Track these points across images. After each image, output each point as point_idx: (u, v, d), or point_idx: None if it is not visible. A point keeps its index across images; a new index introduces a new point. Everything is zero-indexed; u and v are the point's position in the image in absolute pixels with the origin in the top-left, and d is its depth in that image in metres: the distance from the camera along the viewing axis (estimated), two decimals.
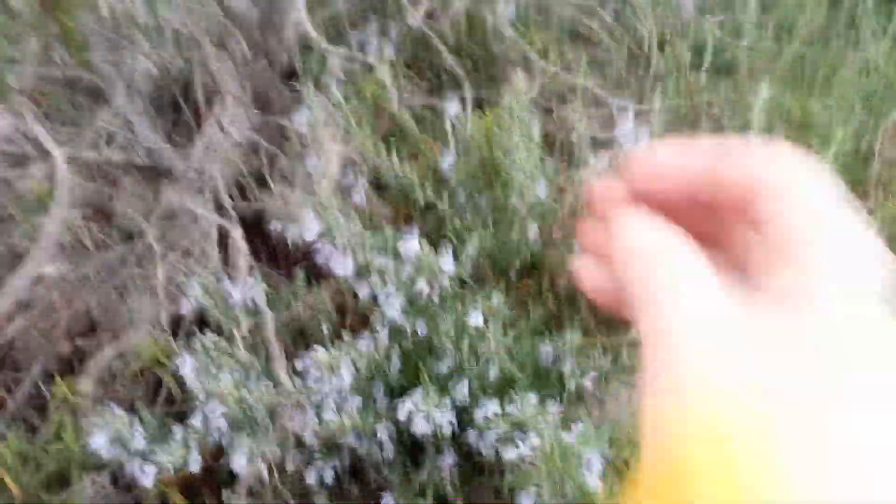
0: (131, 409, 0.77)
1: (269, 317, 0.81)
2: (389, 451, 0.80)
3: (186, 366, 0.65)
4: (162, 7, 0.57)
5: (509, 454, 0.70)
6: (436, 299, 0.76)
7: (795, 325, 0.21)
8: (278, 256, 1.08)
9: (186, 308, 0.73)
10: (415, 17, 1.05)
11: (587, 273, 0.28)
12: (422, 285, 0.73)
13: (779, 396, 0.20)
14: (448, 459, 0.83)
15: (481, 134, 0.88)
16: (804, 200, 0.23)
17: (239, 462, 0.67)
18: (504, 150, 0.90)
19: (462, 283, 0.84)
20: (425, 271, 0.73)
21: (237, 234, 0.66)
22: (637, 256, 0.25)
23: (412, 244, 0.71)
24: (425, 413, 0.74)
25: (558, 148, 1.14)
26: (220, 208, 0.86)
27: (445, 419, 0.77)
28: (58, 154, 0.46)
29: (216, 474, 0.84)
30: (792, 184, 0.23)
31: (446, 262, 0.74)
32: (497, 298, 0.76)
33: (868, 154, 1.03)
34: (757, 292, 0.22)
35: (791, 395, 0.20)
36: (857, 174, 1.05)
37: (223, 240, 0.98)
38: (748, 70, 1.06)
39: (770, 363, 0.21)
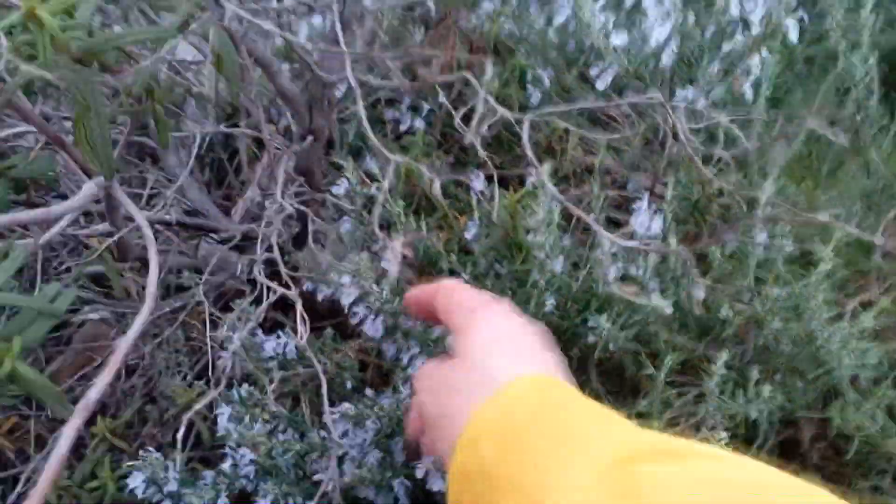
0: (159, 450, 0.83)
1: (301, 370, 0.87)
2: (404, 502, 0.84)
3: (224, 414, 0.70)
4: (234, 84, 0.65)
5: None
6: None
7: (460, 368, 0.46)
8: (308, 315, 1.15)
9: (223, 360, 0.79)
10: (444, 98, 1.13)
11: None
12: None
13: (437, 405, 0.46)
14: None
15: (506, 211, 0.95)
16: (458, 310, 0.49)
17: None
18: (526, 228, 0.97)
19: None
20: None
21: (298, 305, 0.73)
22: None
23: None
24: (441, 472, 0.79)
25: (574, 224, 1.21)
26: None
27: None
28: (141, 219, 0.53)
29: None
30: (451, 303, 0.50)
31: None
32: None
33: (869, 247, 1.09)
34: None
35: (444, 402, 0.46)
36: (859, 265, 1.10)
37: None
38: (757, 163, 1.13)
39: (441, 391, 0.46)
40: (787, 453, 1.08)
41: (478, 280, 1.06)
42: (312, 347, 0.96)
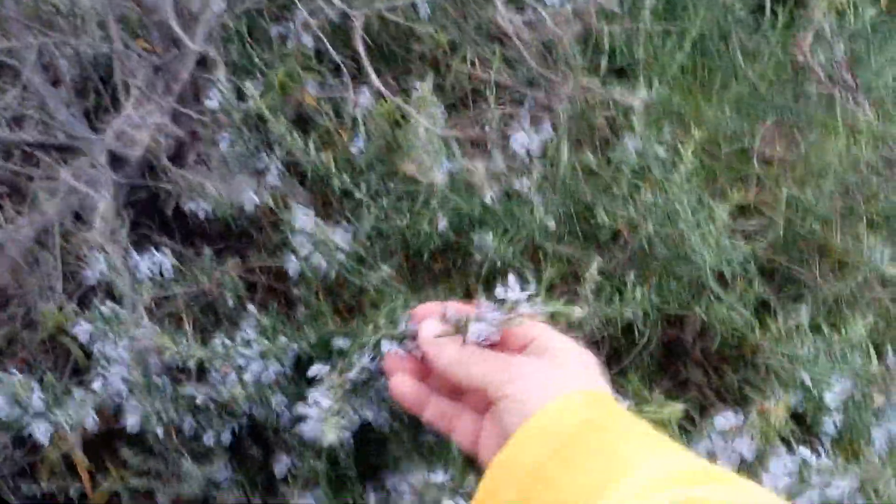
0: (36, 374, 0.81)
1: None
2: (287, 419, 0.86)
3: (83, 332, 0.69)
4: None
5: None
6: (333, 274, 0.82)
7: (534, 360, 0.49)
8: (195, 237, 1.13)
9: (91, 280, 0.78)
10: (331, 11, 1.10)
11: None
12: (318, 259, 0.79)
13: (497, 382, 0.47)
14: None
15: (385, 120, 0.94)
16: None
17: (131, 422, 0.72)
18: (408, 140, 0.96)
19: (361, 260, 0.89)
20: (320, 245, 0.79)
21: (103, 206, 0.70)
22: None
23: (305, 219, 0.77)
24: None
25: (467, 141, 1.21)
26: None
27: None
28: None
29: (121, 436, 0.88)
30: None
31: (340, 238, 0.80)
32: (386, 271, 0.83)
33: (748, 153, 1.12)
34: None
35: None
36: (740, 171, 1.14)
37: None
38: (643, 74, 1.15)
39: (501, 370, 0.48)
40: (672, 352, 1.13)
41: (373, 200, 1.05)
42: (194, 267, 0.95)
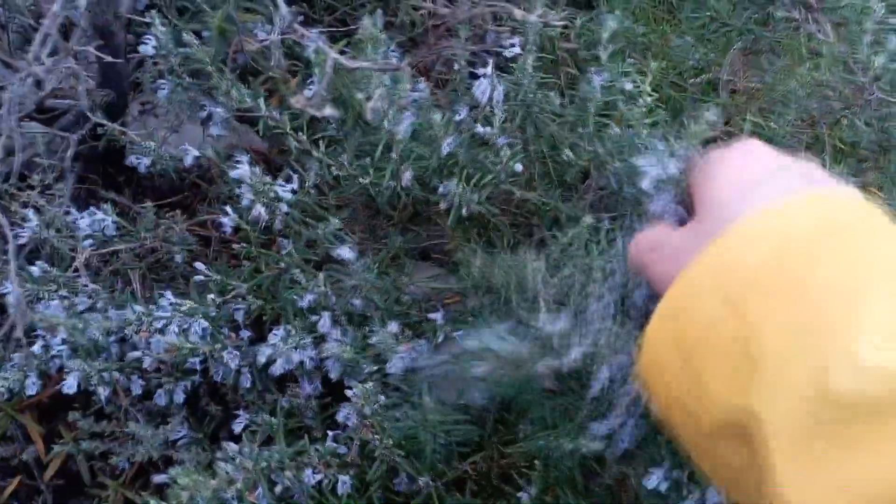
0: None
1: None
2: (245, 377, 0.84)
3: (9, 293, 0.66)
4: None
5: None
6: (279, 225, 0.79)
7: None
8: (146, 192, 1.09)
9: (23, 240, 0.74)
10: None
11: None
12: (258, 210, 0.76)
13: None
14: (306, 388, 0.87)
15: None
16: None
17: (70, 385, 0.70)
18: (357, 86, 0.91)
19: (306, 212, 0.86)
20: (261, 196, 0.75)
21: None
22: None
23: (242, 170, 0.73)
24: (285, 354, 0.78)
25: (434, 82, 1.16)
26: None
27: (306, 356, 0.81)
28: None
29: (74, 402, 0.86)
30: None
31: (284, 190, 0.77)
32: (335, 224, 0.79)
33: (716, 85, 1.09)
34: None
35: None
36: (707, 103, 1.10)
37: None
38: (606, 5, 1.10)
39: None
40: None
41: (330, 157, 1.00)
42: (139, 224, 0.91)
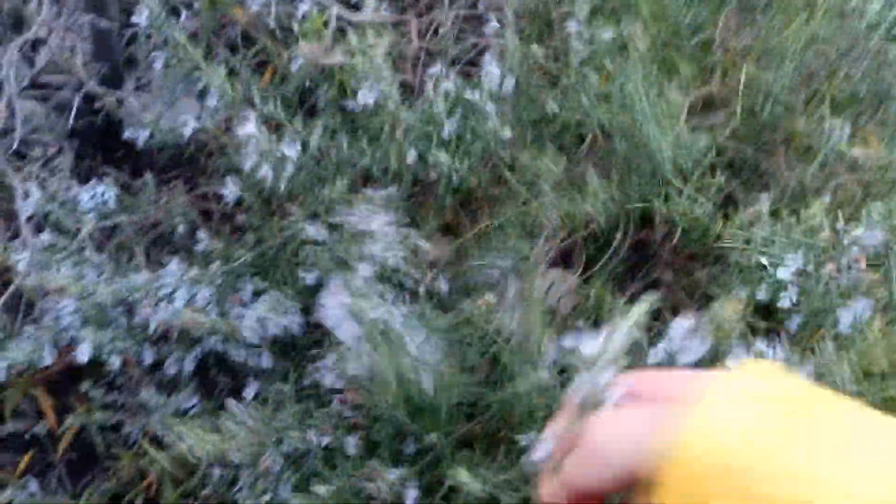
0: None
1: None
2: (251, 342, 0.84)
3: (21, 261, 0.66)
4: None
5: None
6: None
7: None
8: (145, 166, 1.08)
9: (28, 211, 0.74)
10: None
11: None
12: (265, 170, 0.76)
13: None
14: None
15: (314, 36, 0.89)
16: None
17: (83, 352, 0.71)
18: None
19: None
20: (267, 156, 0.75)
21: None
22: None
23: (250, 126, 0.73)
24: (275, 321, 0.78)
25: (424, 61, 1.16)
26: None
27: (296, 322, 0.81)
28: None
29: (86, 374, 0.87)
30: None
31: (290, 149, 0.77)
32: (340, 188, 0.80)
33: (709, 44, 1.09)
34: None
35: None
36: (703, 62, 1.10)
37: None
38: None
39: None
40: (642, 255, 1.12)
41: (331, 139, 0.98)
42: (141, 196, 0.91)
